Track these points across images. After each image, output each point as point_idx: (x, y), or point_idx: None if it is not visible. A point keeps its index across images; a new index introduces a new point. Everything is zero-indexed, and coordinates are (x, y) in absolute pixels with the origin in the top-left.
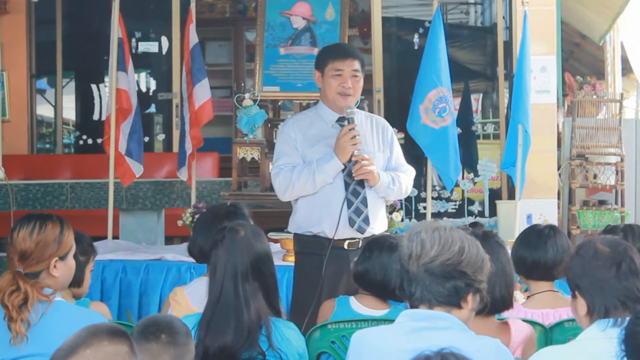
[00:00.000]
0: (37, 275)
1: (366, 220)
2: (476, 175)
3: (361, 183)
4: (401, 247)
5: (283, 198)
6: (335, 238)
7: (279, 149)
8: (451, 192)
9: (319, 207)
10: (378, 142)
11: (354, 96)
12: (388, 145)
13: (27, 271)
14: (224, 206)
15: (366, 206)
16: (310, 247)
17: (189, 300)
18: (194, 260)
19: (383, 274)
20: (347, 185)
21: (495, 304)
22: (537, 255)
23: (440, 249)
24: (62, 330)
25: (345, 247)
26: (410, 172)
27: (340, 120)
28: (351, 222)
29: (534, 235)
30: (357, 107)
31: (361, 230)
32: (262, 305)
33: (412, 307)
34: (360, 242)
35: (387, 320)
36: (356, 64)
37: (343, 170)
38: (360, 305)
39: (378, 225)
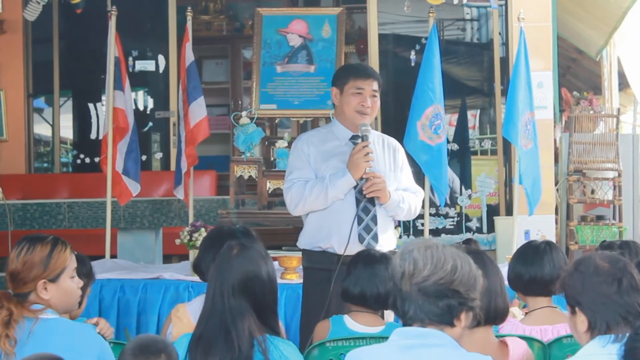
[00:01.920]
0: (25, 296)
1: (375, 238)
2: (471, 191)
3: (372, 200)
4: (393, 265)
5: (294, 212)
6: (344, 254)
7: (292, 163)
8: (453, 206)
9: (329, 222)
10: (390, 162)
11: (371, 115)
12: (399, 166)
13: (15, 292)
14: (233, 226)
15: (376, 224)
16: (319, 262)
17: (191, 317)
18: (192, 279)
19: (359, 287)
20: (358, 202)
21: (488, 315)
22: (534, 271)
23: (433, 268)
24: (52, 345)
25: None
26: (419, 194)
27: (354, 138)
28: (361, 239)
29: (531, 251)
30: None
31: (370, 248)
32: (252, 323)
33: (405, 325)
34: None
35: (384, 337)
36: (375, 85)
37: (355, 187)
38: (355, 323)
39: (386, 243)
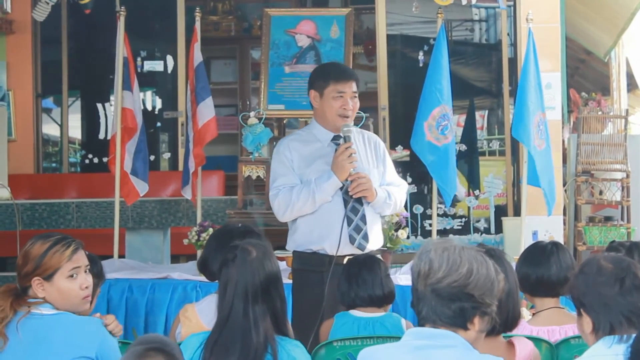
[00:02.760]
0: (26, 290)
1: (365, 237)
2: (479, 191)
3: (359, 200)
4: (412, 264)
5: (282, 219)
6: (336, 255)
7: (275, 170)
8: (453, 207)
9: (319, 225)
10: (372, 159)
11: (352, 117)
12: (381, 161)
13: (19, 284)
14: (239, 226)
15: (365, 223)
16: (311, 264)
17: (200, 318)
18: (200, 279)
19: (350, 297)
20: (345, 202)
21: (505, 324)
22: (541, 271)
23: (448, 270)
24: (48, 339)
25: (345, 263)
26: (403, 186)
27: (336, 139)
28: (352, 240)
29: (537, 252)
30: (362, 125)
31: (361, 247)
32: (269, 327)
33: (419, 324)
34: None
35: (392, 337)
36: (354, 85)
37: (341, 188)
38: (358, 312)
39: (375, 241)
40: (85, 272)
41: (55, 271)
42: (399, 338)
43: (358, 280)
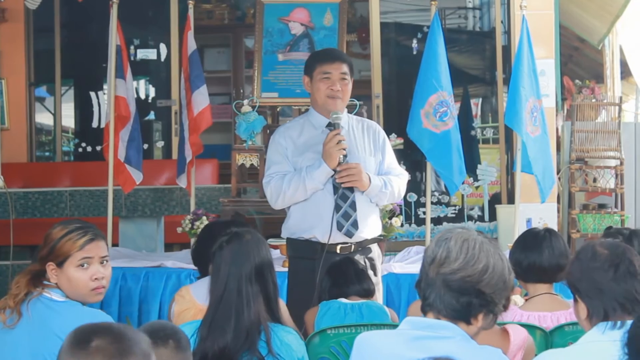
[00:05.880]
0: (44, 272)
1: (355, 224)
2: (475, 179)
3: (350, 187)
4: (427, 248)
5: (275, 206)
6: (328, 243)
7: (270, 157)
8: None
9: (311, 212)
10: (369, 146)
11: (343, 99)
12: (380, 149)
13: (38, 266)
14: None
15: (355, 210)
16: (303, 251)
17: (193, 295)
18: (193, 267)
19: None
20: (335, 190)
21: None
22: (533, 257)
23: (464, 264)
24: (50, 325)
25: (338, 251)
26: (403, 176)
27: (329, 125)
28: (339, 226)
29: (530, 238)
30: (356, 113)
31: (349, 235)
32: (262, 309)
33: (423, 310)
34: (353, 246)
35: (385, 325)
36: (344, 67)
37: (332, 176)
38: (343, 299)
39: (369, 230)
40: (102, 263)
41: (66, 259)
42: (392, 326)
43: (339, 280)
